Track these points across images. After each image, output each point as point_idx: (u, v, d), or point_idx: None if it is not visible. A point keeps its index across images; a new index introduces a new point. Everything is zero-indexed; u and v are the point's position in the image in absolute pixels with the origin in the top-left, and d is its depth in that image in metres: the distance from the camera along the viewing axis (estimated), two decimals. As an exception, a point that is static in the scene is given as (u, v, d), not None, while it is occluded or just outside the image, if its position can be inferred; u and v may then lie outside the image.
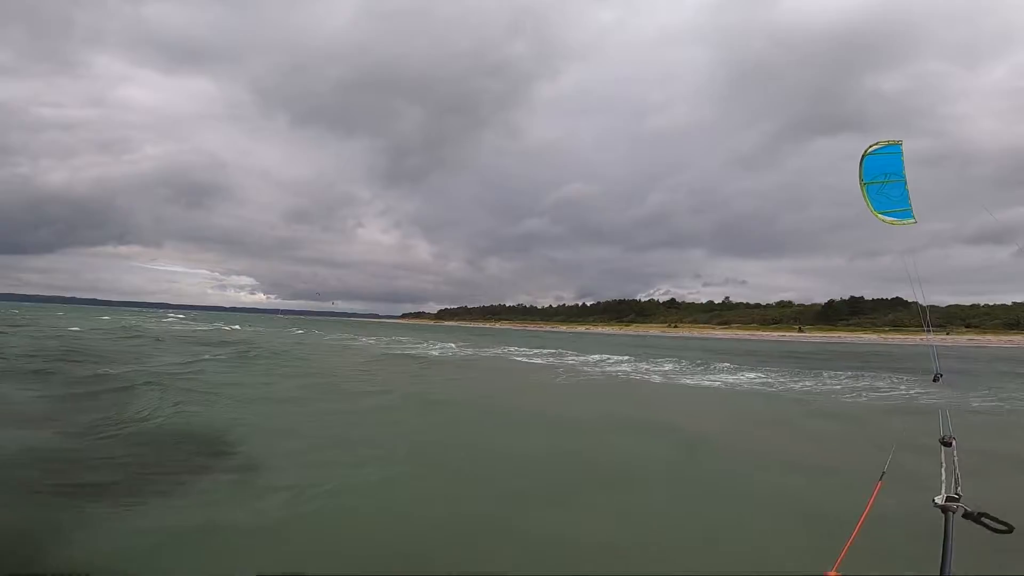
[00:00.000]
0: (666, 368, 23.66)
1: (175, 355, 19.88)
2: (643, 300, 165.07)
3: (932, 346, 3.33)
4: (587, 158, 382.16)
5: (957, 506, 1.82)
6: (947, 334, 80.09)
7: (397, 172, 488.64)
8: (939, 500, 1.87)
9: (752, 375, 21.05)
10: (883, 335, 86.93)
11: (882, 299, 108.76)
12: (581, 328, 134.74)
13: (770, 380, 19.26)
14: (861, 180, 3.38)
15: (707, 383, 18.34)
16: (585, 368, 22.46)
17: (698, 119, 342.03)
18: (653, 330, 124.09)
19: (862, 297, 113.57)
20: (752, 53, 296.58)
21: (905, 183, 3.31)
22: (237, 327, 55.76)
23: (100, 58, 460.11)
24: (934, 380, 3.24)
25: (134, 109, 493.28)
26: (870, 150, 3.35)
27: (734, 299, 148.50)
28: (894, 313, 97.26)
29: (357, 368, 19.59)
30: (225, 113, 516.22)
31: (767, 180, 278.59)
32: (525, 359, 27.76)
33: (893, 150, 3.33)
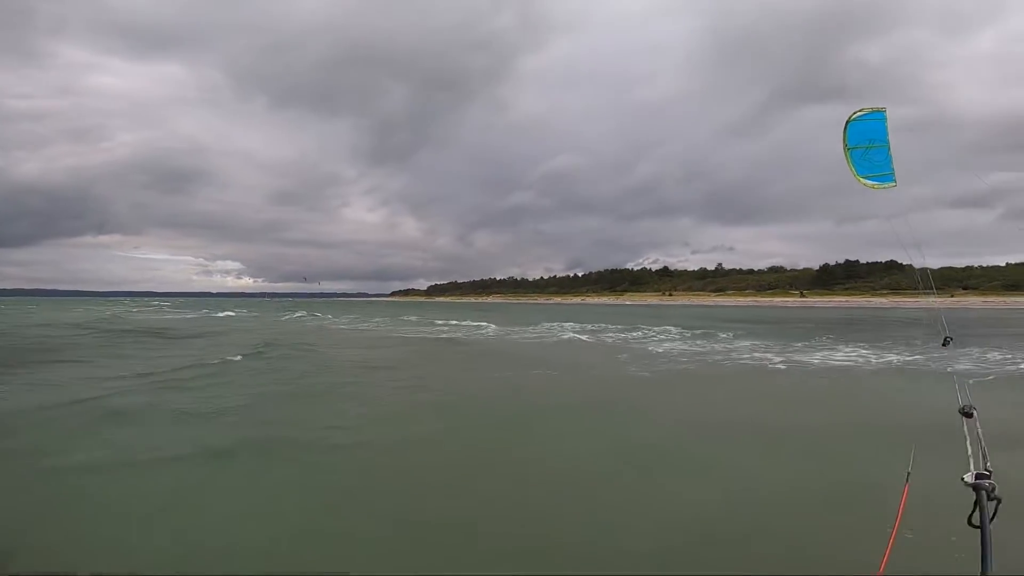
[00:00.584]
0: (747, 344, 21.14)
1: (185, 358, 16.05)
2: (635, 269, 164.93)
3: (939, 311, 3.19)
4: (574, 130, 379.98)
5: (989, 483, 1.63)
6: (951, 296, 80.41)
7: (383, 150, 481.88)
8: (968, 478, 1.68)
9: (850, 350, 18.78)
10: (891, 298, 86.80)
11: (876, 262, 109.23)
12: (576, 299, 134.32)
13: (892, 357, 16.95)
14: (845, 145, 3.44)
15: (838, 361, 15.97)
16: (657, 350, 19.30)
17: (686, 89, 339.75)
18: (650, 299, 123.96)
19: (857, 261, 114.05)
20: (740, 22, 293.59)
21: (888, 148, 3.35)
22: (231, 313, 54.38)
23: (65, 47, 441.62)
24: (943, 344, 3.11)
25: (105, 96, 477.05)
26: (854, 116, 3.41)
27: (725, 266, 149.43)
28: (889, 276, 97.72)
29: (454, 365, 16.27)
30: (198, 97, 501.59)
31: (755, 148, 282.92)
32: (580, 335, 26.04)
33: (877, 116, 3.41)
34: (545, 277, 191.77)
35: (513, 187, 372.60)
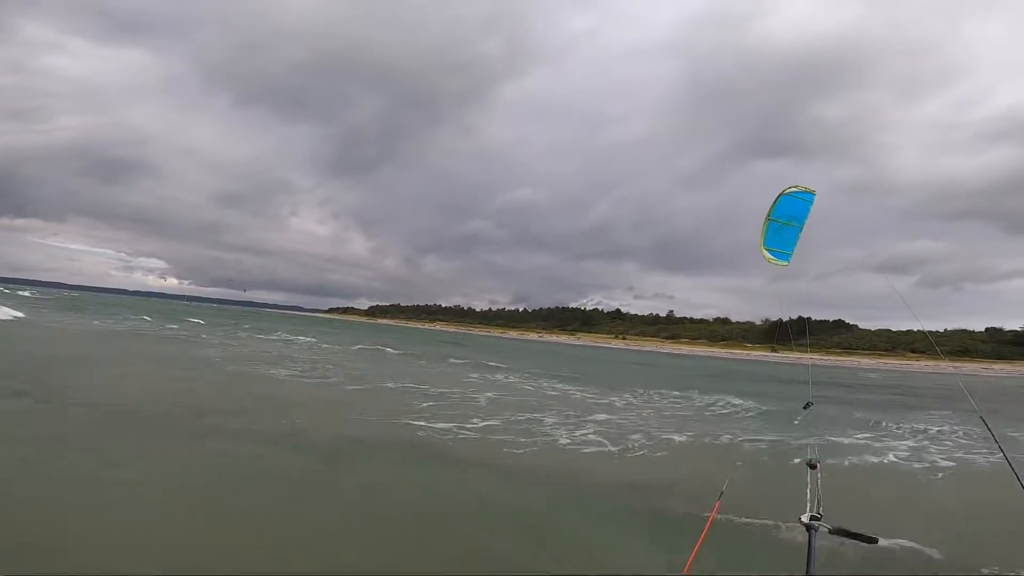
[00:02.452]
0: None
1: None
2: (586, 309, 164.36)
3: (809, 368, 4.51)
4: (538, 164, 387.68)
5: (819, 525, 2.02)
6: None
7: (343, 162, 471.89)
8: (804, 519, 2.07)
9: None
10: (878, 358, 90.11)
11: (825, 320, 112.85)
12: (533, 335, 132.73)
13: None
14: (768, 215, 3.67)
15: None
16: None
17: (653, 134, 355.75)
18: (604, 341, 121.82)
19: (810, 318, 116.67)
20: (717, 73, 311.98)
21: (800, 231, 3.69)
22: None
23: (28, 24, 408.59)
24: (805, 407, 3.51)
25: (55, 78, 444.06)
26: (788, 191, 3.63)
27: (663, 313, 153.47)
28: (839, 335, 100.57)
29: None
30: (158, 87, 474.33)
31: (706, 199, 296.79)
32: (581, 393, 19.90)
33: (807, 197, 3.64)
34: (493, 309, 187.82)
35: (470, 215, 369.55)
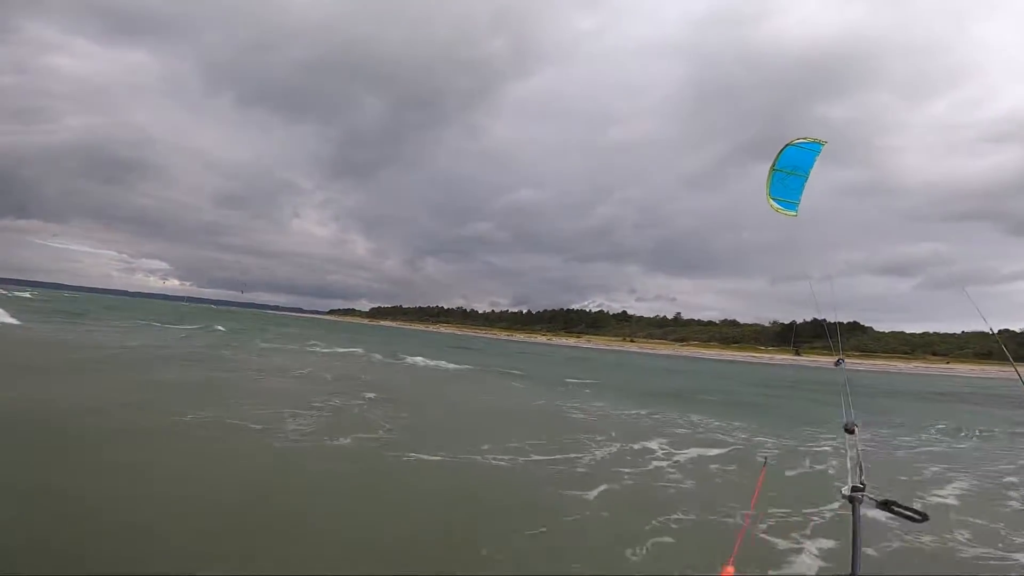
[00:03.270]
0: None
1: None
2: (592, 311, 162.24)
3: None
4: (542, 165, 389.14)
5: (863, 496, 1.89)
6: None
7: (345, 164, 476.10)
8: (846, 491, 1.93)
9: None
10: (907, 361, 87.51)
11: (840, 322, 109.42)
12: (541, 338, 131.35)
13: None
14: (773, 164, 3.61)
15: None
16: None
17: (657, 135, 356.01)
18: (612, 343, 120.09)
19: (824, 320, 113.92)
20: (723, 73, 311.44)
21: (806, 180, 3.61)
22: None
23: (32, 24, 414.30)
24: (836, 364, 3.42)
25: (59, 78, 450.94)
26: (794, 141, 3.58)
27: (664, 314, 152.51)
28: (856, 338, 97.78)
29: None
30: (161, 88, 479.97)
31: (709, 201, 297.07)
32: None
33: (814, 147, 3.58)
34: (496, 311, 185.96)
35: (472, 216, 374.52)
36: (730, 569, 1.64)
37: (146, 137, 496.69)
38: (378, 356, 27.95)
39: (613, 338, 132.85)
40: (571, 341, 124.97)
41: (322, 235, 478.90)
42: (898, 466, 10.06)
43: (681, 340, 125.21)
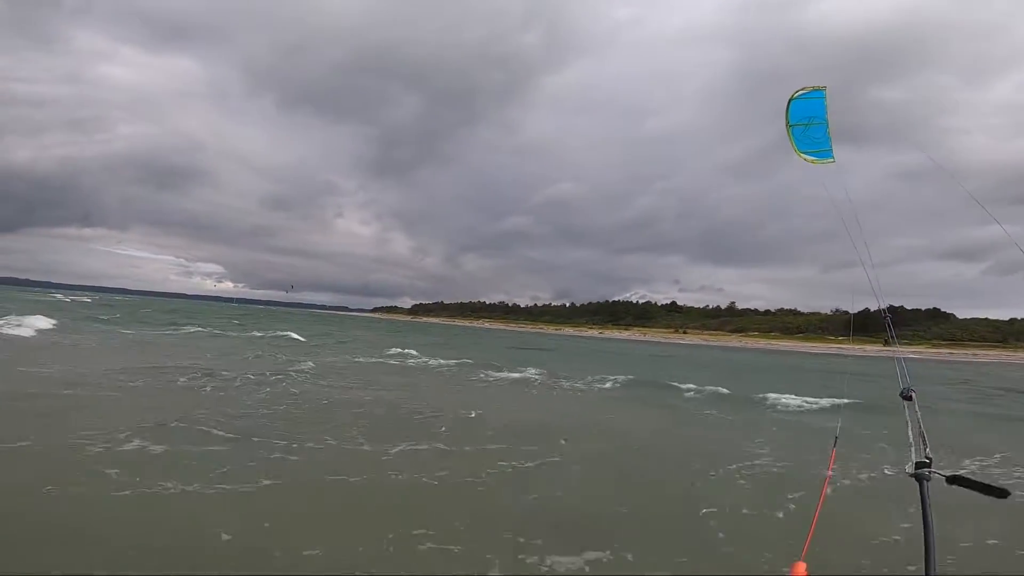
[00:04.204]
0: None
1: None
2: (639, 302, 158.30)
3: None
4: (580, 157, 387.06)
5: (931, 472, 1.67)
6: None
7: (385, 162, 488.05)
8: (909, 468, 1.72)
9: None
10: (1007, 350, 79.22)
11: (918, 309, 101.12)
12: (593, 332, 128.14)
13: None
14: (787, 123, 3.61)
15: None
16: None
17: (698, 123, 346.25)
18: (665, 335, 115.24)
19: (902, 307, 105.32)
20: (770, 58, 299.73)
21: (827, 126, 3.53)
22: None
23: (82, 33, 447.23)
24: (886, 345, 3.29)
25: (111, 87, 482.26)
26: (795, 95, 3.60)
27: (718, 304, 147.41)
28: (939, 326, 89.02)
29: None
30: (208, 93, 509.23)
31: (754, 189, 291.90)
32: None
33: (816, 95, 3.59)
34: (538, 304, 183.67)
35: (510, 211, 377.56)
36: (802, 566, 1.44)
37: (195, 144, 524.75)
38: (537, 377, 20.21)
39: (664, 330, 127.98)
40: (624, 334, 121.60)
41: (365, 234, 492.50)
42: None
43: (739, 331, 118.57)
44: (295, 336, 34.16)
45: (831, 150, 3.53)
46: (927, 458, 1.70)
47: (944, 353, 75.83)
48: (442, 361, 24.20)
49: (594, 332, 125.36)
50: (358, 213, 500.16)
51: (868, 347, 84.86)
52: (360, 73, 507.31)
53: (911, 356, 70.62)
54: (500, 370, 21.90)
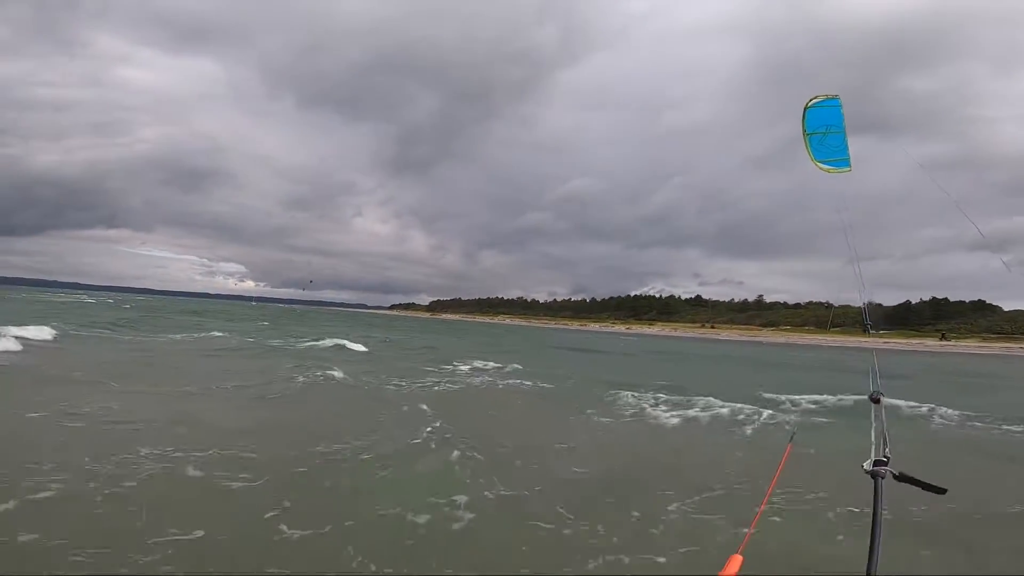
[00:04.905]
0: None
1: None
2: (662, 296, 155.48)
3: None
4: (596, 152, 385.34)
5: (885, 470, 1.77)
6: None
7: (403, 161, 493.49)
8: (867, 465, 1.83)
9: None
10: None
11: (962, 301, 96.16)
12: (619, 327, 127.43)
13: None
14: (804, 131, 3.67)
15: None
16: None
17: (717, 117, 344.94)
18: (695, 331, 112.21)
19: (945, 299, 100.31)
20: (790, 51, 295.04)
21: (844, 135, 3.60)
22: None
23: (102, 36, 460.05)
24: (866, 331, 3.45)
25: (132, 90, 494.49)
26: (810, 103, 3.62)
27: (745, 298, 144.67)
28: (986, 319, 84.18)
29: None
30: (228, 94, 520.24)
31: (777, 181, 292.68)
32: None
33: (832, 103, 3.60)
34: (558, 300, 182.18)
35: (528, 207, 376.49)
36: (738, 558, 1.49)
37: (217, 145, 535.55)
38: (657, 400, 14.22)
39: (690, 324, 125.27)
40: (654, 330, 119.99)
41: (383, 232, 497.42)
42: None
43: (770, 325, 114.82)
44: (350, 346, 27.00)
45: (848, 159, 3.59)
46: (885, 457, 1.81)
47: (998, 348, 70.73)
48: (544, 384, 16.97)
49: (621, 327, 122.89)
50: (376, 211, 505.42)
51: (928, 341, 79.42)
52: (378, 72, 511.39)
53: (966, 351, 65.62)
54: (638, 389, 15.50)
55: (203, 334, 29.26)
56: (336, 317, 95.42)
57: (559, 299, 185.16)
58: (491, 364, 22.61)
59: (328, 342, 27.32)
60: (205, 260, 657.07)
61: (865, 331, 3.34)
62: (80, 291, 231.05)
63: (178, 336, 27.02)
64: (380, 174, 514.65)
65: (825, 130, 3.56)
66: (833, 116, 3.56)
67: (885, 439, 1.87)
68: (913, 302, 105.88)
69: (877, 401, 2.10)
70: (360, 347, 27.00)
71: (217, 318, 51.03)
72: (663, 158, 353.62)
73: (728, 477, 7.64)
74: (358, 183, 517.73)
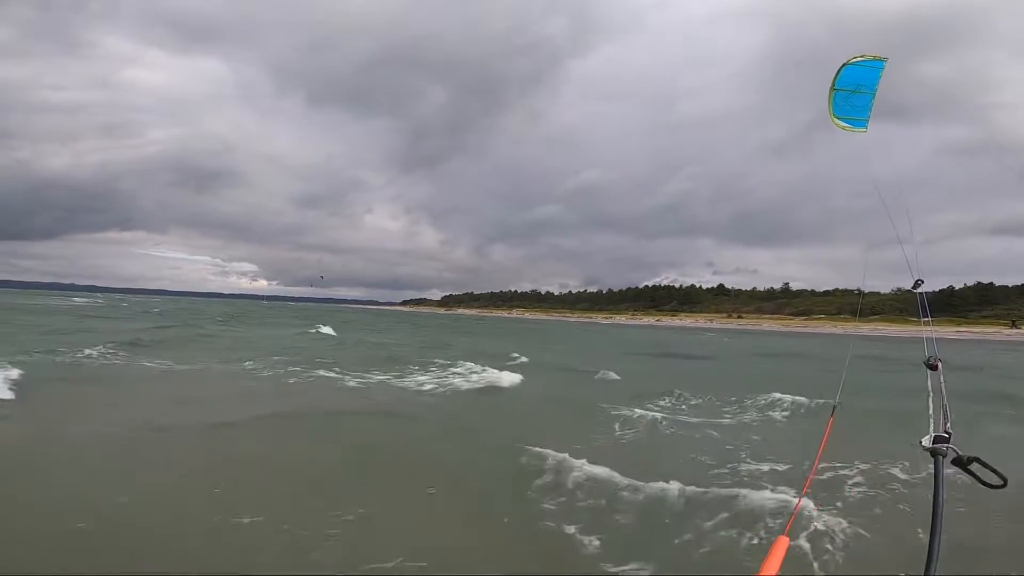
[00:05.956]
0: None
1: None
2: (683, 287, 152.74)
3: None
4: (608, 144, 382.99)
5: (947, 448, 1.56)
6: None
7: (413, 156, 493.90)
8: (926, 442, 1.61)
9: None
10: None
11: (1005, 286, 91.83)
12: (649, 319, 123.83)
13: None
14: (832, 85, 3.56)
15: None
16: None
17: (731, 107, 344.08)
18: (721, 321, 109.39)
19: (991, 283, 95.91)
20: (808, 39, 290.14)
21: (873, 98, 3.51)
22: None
23: (109, 38, 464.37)
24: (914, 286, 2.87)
25: (140, 91, 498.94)
26: (851, 60, 3.51)
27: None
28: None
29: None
30: (237, 94, 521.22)
31: (793, 169, 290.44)
32: None
33: (876, 64, 3.50)
34: (573, 292, 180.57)
35: (539, 200, 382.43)
36: (784, 540, 1.37)
37: (227, 146, 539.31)
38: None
39: (716, 314, 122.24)
40: (687, 321, 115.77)
41: (393, 228, 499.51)
42: None
43: (801, 314, 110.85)
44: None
45: (866, 120, 3.51)
46: (947, 432, 1.60)
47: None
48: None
49: (650, 320, 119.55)
50: (387, 207, 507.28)
51: (1006, 331, 73.05)
52: (387, 67, 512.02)
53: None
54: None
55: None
56: (381, 317, 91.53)
57: (573, 291, 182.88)
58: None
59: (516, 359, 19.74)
60: (218, 260, 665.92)
61: (923, 316, 2.67)
62: (97, 293, 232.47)
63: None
64: (390, 170, 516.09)
65: (855, 88, 3.49)
66: (870, 77, 3.47)
67: (945, 412, 1.66)
68: (956, 287, 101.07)
69: (935, 368, 1.92)
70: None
71: (291, 324, 42.84)
72: (675, 148, 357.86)
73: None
74: (368, 180, 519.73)
